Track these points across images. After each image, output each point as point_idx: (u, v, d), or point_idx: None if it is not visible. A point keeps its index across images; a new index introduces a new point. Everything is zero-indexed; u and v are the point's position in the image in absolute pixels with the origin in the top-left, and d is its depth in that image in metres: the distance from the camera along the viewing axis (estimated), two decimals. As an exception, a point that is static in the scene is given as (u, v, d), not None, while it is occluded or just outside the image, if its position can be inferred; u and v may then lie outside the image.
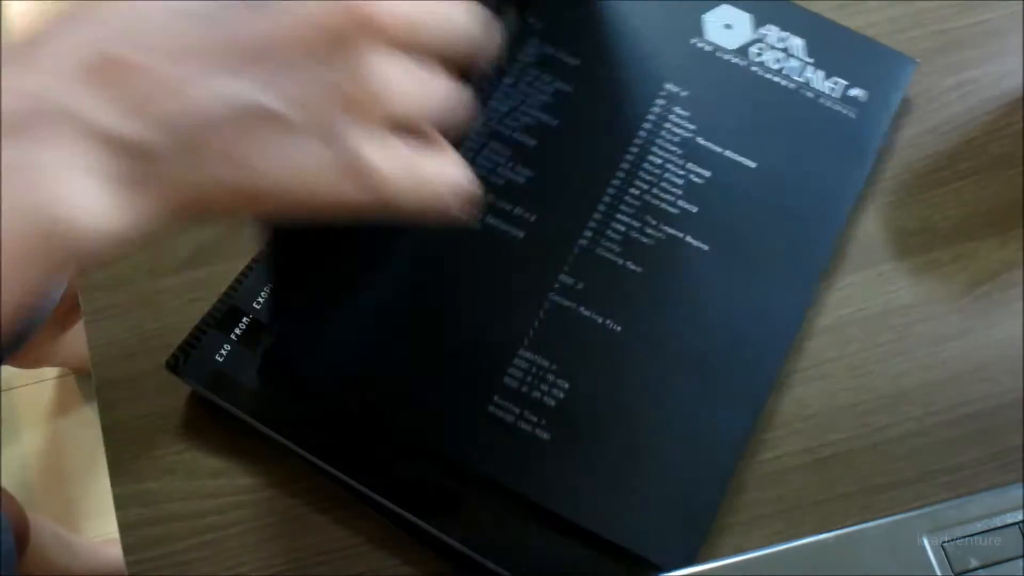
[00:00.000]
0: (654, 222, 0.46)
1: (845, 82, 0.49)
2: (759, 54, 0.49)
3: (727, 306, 0.44)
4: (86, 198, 0.22)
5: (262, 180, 0.23)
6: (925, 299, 0.47)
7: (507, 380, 0.43)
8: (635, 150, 0.47)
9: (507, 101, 0.48)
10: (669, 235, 0.46)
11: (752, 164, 0.47)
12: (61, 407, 1.10)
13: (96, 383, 0.46)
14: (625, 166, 0.47)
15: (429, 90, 0.25)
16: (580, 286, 0.44)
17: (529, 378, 0.43)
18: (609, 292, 0.44)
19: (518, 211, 0.46)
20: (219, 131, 0.23)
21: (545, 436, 0.42)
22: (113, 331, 0.47)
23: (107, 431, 0.44)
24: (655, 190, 0.46)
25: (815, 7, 0.51)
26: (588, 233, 0.45)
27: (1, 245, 0.21)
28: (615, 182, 0.46)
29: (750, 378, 0.43)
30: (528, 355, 0.43)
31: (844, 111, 0.48)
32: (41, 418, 1.10)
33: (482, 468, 0.42)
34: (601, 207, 0.46)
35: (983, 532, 0.40)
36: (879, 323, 0.47)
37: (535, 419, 0.42)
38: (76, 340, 0.84)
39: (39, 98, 0.22)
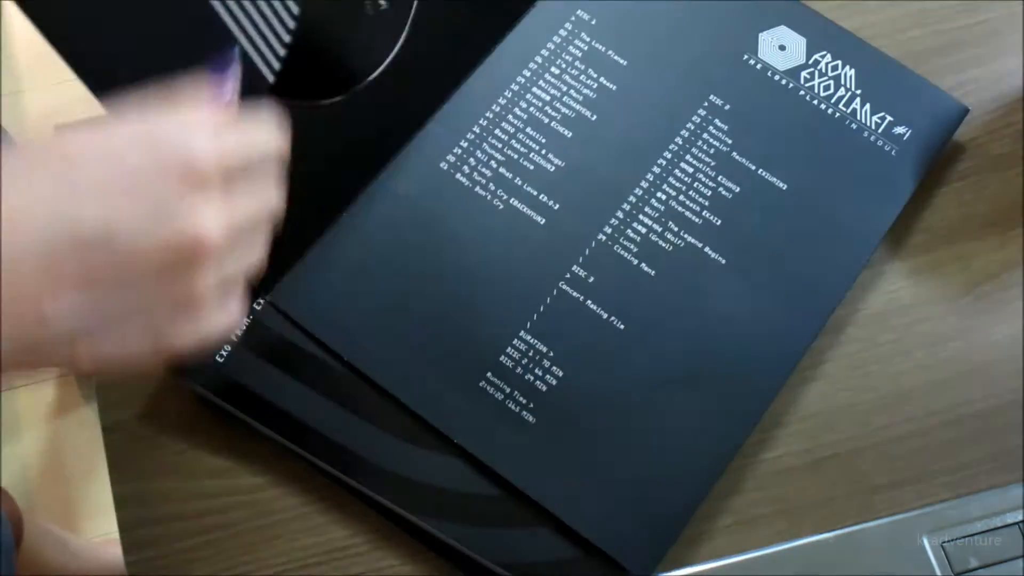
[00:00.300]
0: (676, 228, 0.46)
1: (891, 117, 0.48)
2: (809, 79, 0.49)
3: (734, 323, 0.44)
4: None
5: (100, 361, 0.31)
6: (925, 299, 0.47)
7: (503, 359, 0.43)
8: (668, 155, 0.47)
9: (550, 91, 0.48)
10: (689, 243, 0.46)
11: (783, 186, 0.47)
12: (61, 407, 1.10)
13: (96, 383, 0.46)
14: (656, 170, 0.47)
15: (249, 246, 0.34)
16: (591, 280, 0.45)
17: (525, 360, 0.43)
18: (619, 290, 0.45)
19: (543, 198, 0.46)
20: (66, 324, 0.29)
21: (530, 419, 0.42)
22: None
23: (107, 431, 0.44)
24: (682, 197, 0.46)
25: (817, 7, 0.51)
26: (608, 230, 0.46)
27: None
28: (643, 184, 0.47)
29: (746, 397, 0.43)
30: (528, 338, 0.44)
31: (885, 146, 0.48)
32: (41, 418, 1.10)
33: (461, 438, 0.42)
34: (625, 206, 0.46)
35: (983, 532, 0.40)
36: (879, 323, 0.47)
37: (524, 401, 0.43)
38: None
39: None
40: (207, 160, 0.30)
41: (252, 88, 0.41)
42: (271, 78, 0.42)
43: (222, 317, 0.33)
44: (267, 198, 0.34)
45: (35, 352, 0.30)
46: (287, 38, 0.42)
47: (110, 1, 0.38)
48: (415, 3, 0.46)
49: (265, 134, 0.34)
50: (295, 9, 0.42)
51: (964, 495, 0.41)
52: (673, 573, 0.40)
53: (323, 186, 0.45)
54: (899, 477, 0.44)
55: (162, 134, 0.31)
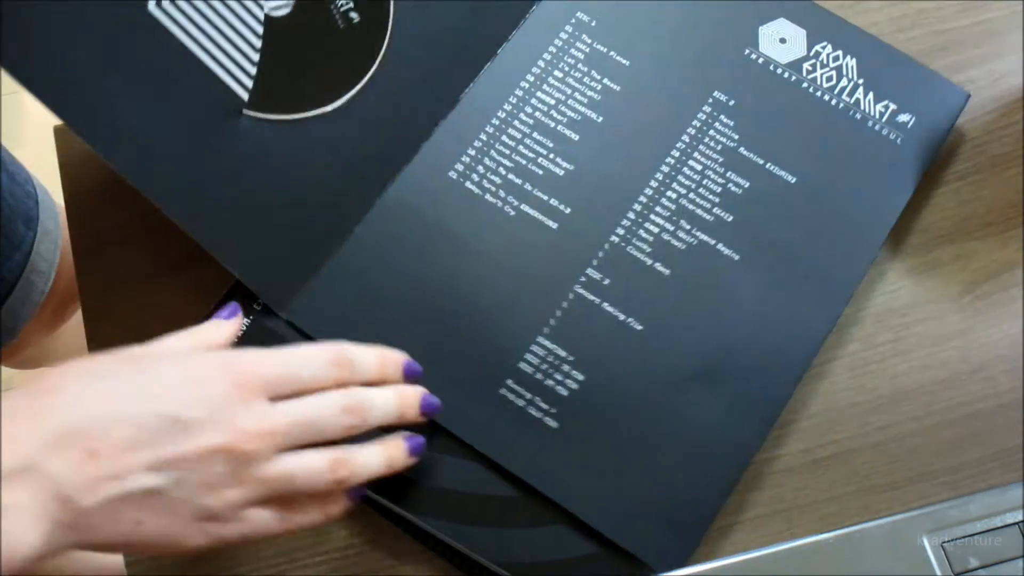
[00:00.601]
0: (688, 227, 0.46)
1: (894, 106, 0.48)
2: (811, 71, 0.49)
3: (751, 318, 0.44)
4: (23, 536, 0.32)
5: (140, 539, 0.34)
6: (925, 299, 0.47)
7: (522, 365, 0.43)
8: (676, 154, 0.47)
9: (555, 95, 0.48)
10: (701, 241, 0.46)
11: (792, 179, 0.47)
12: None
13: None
14: (665, 168, 0.47)
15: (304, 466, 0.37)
16: (607, 281, 0.45)
17: (544, 366, 0.43)
18: (635, 291, 0.45)
19: (554, 202, 0.46)
20: (129, 505, 0.33)
21: (553, 424, 0.43)
22: (113, 331, 0.47)
23: (107, 431, 0.44)
24: (692, 195, 0.46)
25: (820, 5, 0.51)
26: (620, 231, 0.46)
27: None
28: (653, 183, 0.47)
29: (765, 392, 0.43)
30: (547, 343, 0.44)
31: (891, 135, 0.48)
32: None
33: (484, 446, 0.42)
34: (636, 206, 0.46)
35: (983, 532, 0.40)
36: (879, 323, 0.47)
37: (545, 406, 0.43)
38: (73, 340, 0.84)
39: (23, 455, 0.32)
40: (256, 374, 0.36)
41: (225, 107, 0.42)
42: (244, 95, 0.43)
43: (240, 526, 0.36)
44: (315, 413, 0.37)
45: (93, 525, 0.33)
46: (255, 56, 0.43)
47: (89, 52, 0.40)
48: (391, 14, 0.46)
49: (307, 355, 0.38)
50: (259, 28, 0.43)
51: (964, 495, 0.41)
52: (673, 573, 0.40)
53: (330, 202, 0.45)
54: (899, 477, 0.44)
55: (228, 354, 0.37)
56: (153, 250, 0.48)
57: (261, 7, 0.43)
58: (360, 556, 0.43)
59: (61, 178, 0.50)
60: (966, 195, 0.49)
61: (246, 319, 0.44)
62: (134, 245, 0.48)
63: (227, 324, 0.40)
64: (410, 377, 0.41)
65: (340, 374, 0.38)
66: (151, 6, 0.41)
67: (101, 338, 0.47)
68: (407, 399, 0.40)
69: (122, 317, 0.47)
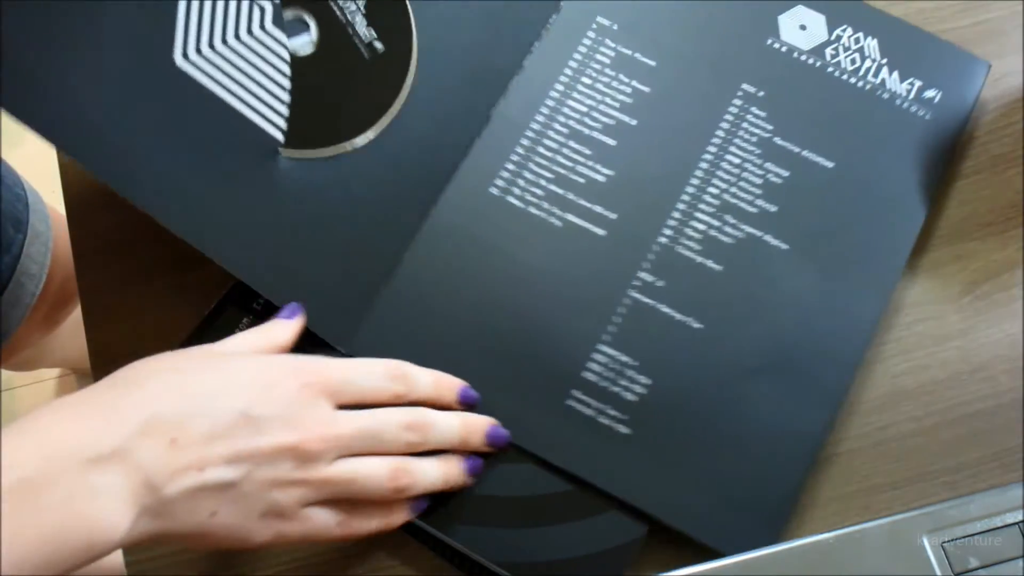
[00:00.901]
0: (733, 221, 0.46)
1: (920, 83, 0.49)
2: (834, 55, 0.49)
3: (807, 305, 0.45)
4: (112, 518, 0.33)
5: (213, 530, 0.36)
6: (925, 299, 0.47)
7: (586, 374, 0.44)
8: (713, 149, 0.47)
9: (586, 101, 0.48)
10: (748, 234, 0.46)
11: (830, 164, 0.47)
12: (61, 407, 1.10)
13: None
14: (704, 165, 0.47)
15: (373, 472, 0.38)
16: (660, 283, 0.45)
17: (609, 373, 0.44)
18: (689, 290, 0.45)
19: (599, 209, 0.46)
20: (206, 495, 0.35)
21: (625, 431, 0.43)
22: (113, 331, 0.47)
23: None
24: (734, 189, 0.47)
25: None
26: (668, 231, 0.46)
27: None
28: (694, 181, 0.47)
29: (828, 376, 0.44)
30: (608, 350, 0.44)
31: (919, 112, 0.48)
32: (41, 418, 1.09)
33: (557, 460, 0.42)
34: (680, 206, 0.46)
35: (983, 532, 0.40)
36: (879, 323, 0.47)
37: (615, 414, 0.43)
38: (69, 341, 0.84)
39: (113, 441, 0.33)
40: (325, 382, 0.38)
41: (262, 150, 0.42)
42: (279, 136, 0.43)
43: (302, 525, 0.37)
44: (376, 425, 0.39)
45: (173, 512, 0.35)
46: (286, 97, 0.44)
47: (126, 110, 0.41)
48: (414, 39, 0.46)
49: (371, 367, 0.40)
50: (286, 69, 0.44)
51: (964, 495, 0.41)
52: (673, 573, 0.40)
53: (376, 233, 0.45)
54: (899, 477, 0.44)
55: (300, 360, 0.39)
56: (153, 250, 0.48)
57: (286, 47, 0.44)
58: (360, 556, 0.43)
59: (61, 179, 0.50)
60: (966, 195, 0.49)
61: (245, 318, 0.44)
62: (134, 246, 0.48)
63: (290, 324, 0.42)
64: (466, 403, 0.42)
65: (397, 389, 0.40)
66: (177, 59, 0.42)
67: (101, 338, 0.47)
68: (472, 426, 0.41)
69: (122, 317, 0.47)
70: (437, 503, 0.41)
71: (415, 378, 0.41)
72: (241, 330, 0.43)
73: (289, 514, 0.37)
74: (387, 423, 0.39)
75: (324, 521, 0.38)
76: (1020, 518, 0.40)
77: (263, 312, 0.44)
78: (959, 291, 0.47)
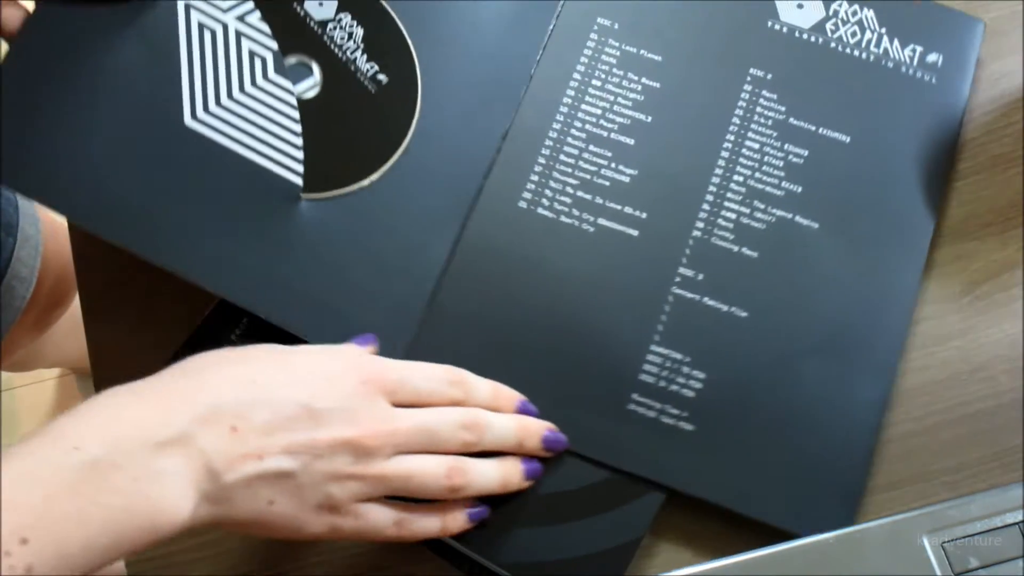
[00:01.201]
0: (762, 206, 0.46)
1: (920, 48, 0.49)
2: (835, 30, 0.49)
3: (846, 279, 0.45)
4: (177, 502, 0.33)
5: (269, 519, 0.36)
6: (925, 299, 0.47)
7: (643, 376, 0.44)
8: (732, 137, 0.47)
9: (599, 104, 0.48)
10: (779, 217, 0.46)
11: (846, 139, 0.48)
12: (61, 407, 1.10)
13: (96, 383, 0.46)
14: (725, 154, 0.47)
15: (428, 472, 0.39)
16: (700, 277, 0.45)
17: (665, 372, 0.44)
18: (729, 280, 0.45)
19: (628, 210, 0.46)
20: (265, 484, 0.35)
21: (688, 427, 0.43)
22: (113, 331, 0.47)
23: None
24: (758, 174, 0.47)
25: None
26: (700, 224, 0.46)
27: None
28: (718, 171, 0.47)
29: (879, 346, 0.44)
30: (661, 350, 0.44)
31: (924, 77, 0.49)
32: (41, 418, 1.10)
33: (625, 464, 0.42)
34: (708, 197, 0.46)
35: (983, 532, 0.40)
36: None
37: (676, 411, 0.43)
38: (64, 342, 0.84)
39: (177, 427, 0.34)
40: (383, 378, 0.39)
41: (283, 197, 0.43)
42: (298, 181, 0.43)
43: (356, 521, 0.37)
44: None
45: (232, 499, 0.35)
46: (299, 141, 0.44)
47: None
48: (417, 66, 0.46)
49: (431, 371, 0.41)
50: (295, 114, 0.44)
51: (964, 495, 0.41)
52: (673, 573, 0.40)
53: (408, 261, 0.45)
54: (899, 477, 0.44)
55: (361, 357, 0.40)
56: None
57: (292, 93, 0.44)
58: (360, 556, 0.43)
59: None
60: (966, 195, 0.49)
61: (235, 332, 0.44)
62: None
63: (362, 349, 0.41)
64: (524, 415, 0.42)
65: (455, 394, 0.40)
66: (187, 120, 0.43)
67: (101, 338, 0.47)
68: (529, 430, 0.41)
69: (122, 317, 0.47)
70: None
71: (473, 385, 0.41)
72: (238, 332, 0.43)
73: (344, 508, 0.37)
74: (444, 422, 0.39)
75: (379, 518, 0.38)
76: (1020, 518, 0.40)
77: (250, 326, 0.44)
78: (959, 291, 0.47)
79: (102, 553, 0.32)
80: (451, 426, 0.39)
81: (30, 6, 0.42)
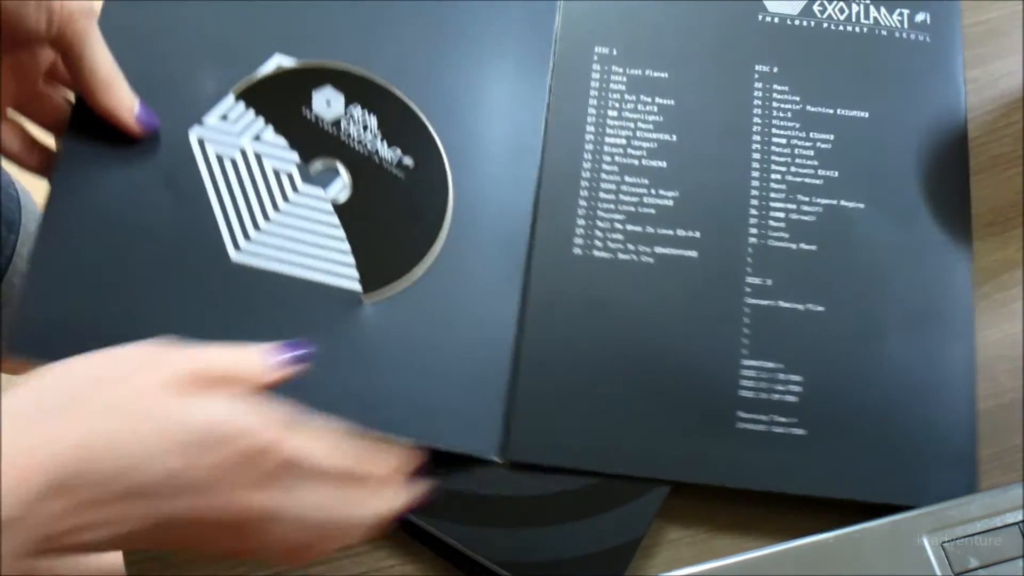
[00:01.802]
0: (806, 198, 0.47)
1: (907, 10, 0.50)
2: (823, 9, 0.50)
3: (905, 250, 0.46)
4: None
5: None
6: (925, 299, 0.47)
7: (742, 392, 0.44)
8: (757, 138, 0.48)
9: (621, 133, 0.48)
10: (825, 205, 0.47)
11: (865, 114, 0.48)
12: (61, 407, 1.09)
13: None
14: (756, 156, 0.47)
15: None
16: (769, 282, 0.45)
17: (763, 384, 0.44)
18: (797, 278, 0.45)
19: (681, 232, 0.46)
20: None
21: (800, 432, 0.43)
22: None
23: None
24: (793, 168, 0.47)
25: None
26: (753, 230, 0.46)
27: None
28: (754, 173, 0.47)
29: (948, 309, 0.45)
30: (752, 363, 0.44)
31: (918, 37, 0.49)
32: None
33: (752, 484, 0.42)
34: (753, 201, 0.47)
35: (983, 532, 0.40)
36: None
37: (785, 420, 0.43)
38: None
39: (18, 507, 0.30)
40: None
41: (345, 305, 0.43)
42: (357, 286, 0.43)
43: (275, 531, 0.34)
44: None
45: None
46: (345, 246, 0.43)
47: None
48: (438, 142, 0.46)
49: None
50: (334, 220, 0.44)
51: (964, 495, 0.41)
52: (674, 573, 0.40)
53: (478, 335, 0.44)
54: (899, 477, 0.44)
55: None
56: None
57: (325, 199, 0.44)
58: (360, 556, 0.43)
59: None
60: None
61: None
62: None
63: (276, 359, 0.36)
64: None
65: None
66: (232, 255, 0.42)
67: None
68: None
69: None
70: (438, 503, 0.41)
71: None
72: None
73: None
74: None
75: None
76: (1020, 518, 0.40)
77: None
78: (959, 291, 0.47)
79: None
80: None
81: (26, 122, 0.43)
